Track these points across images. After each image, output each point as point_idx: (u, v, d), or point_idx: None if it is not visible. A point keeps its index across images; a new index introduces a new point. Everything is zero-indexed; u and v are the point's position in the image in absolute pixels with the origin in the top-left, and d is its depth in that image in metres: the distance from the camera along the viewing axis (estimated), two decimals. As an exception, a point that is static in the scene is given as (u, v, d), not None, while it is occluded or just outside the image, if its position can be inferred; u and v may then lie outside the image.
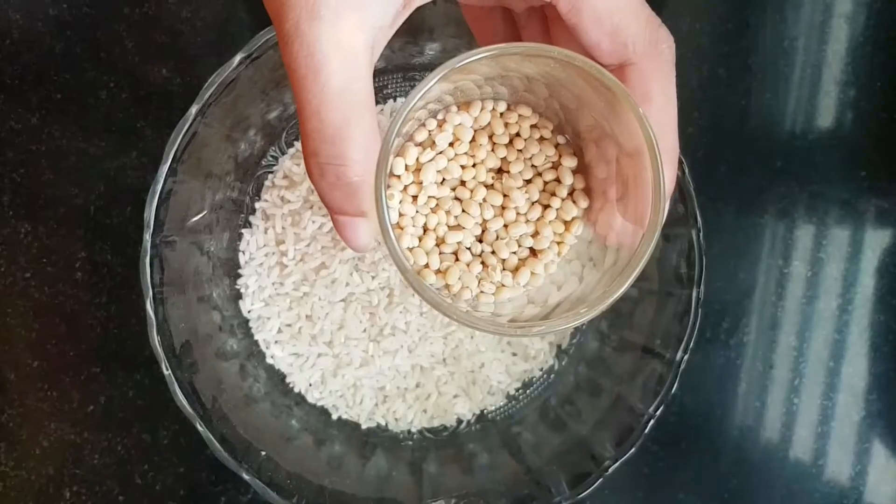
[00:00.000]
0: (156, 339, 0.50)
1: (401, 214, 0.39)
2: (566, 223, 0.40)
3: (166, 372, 0.51)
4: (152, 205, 0.50)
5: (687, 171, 0.52)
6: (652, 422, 0.52)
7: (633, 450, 0.53)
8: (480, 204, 0.40)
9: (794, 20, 0.66)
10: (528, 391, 0.62)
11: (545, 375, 0.62)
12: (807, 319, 0.65)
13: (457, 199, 0.40)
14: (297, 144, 0.59)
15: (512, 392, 0.61)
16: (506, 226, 0.40)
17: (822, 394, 0.65)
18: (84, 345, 0.62)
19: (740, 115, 0.65)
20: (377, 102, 0.61)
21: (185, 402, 0.51)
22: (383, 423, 0.60)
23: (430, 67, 0.59)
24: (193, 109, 0.50)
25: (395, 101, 0.60)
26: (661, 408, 0.52)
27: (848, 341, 0.65)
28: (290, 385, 0.60)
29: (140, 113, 0.62)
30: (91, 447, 0.62)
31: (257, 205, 0.59)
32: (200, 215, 0.55)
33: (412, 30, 0.55)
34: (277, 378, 0.60)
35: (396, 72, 0.60)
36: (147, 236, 0.50)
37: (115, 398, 0.62)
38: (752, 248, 0.65)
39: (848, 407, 0.66)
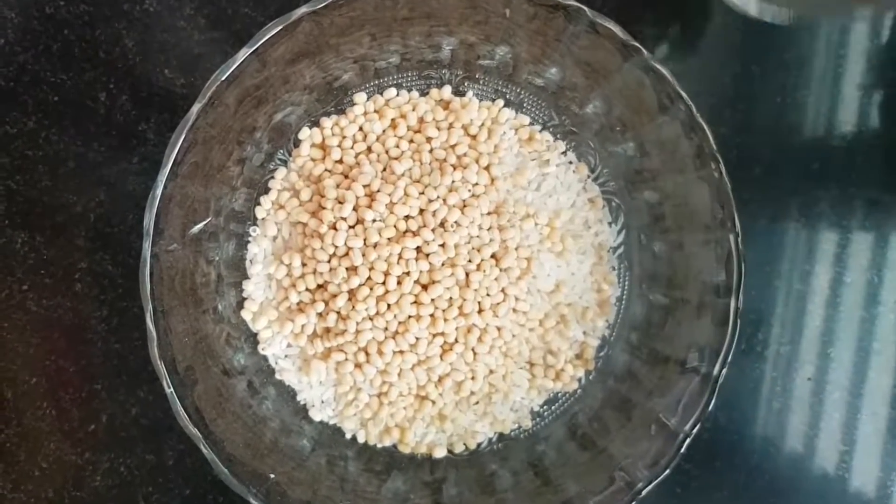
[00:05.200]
0: (156, 355, 0.47)
1: None
2: None
3: (168, 390, 0.48)
4: (152, 211, 0.47)
5: (724, 170, 0.49)
6: (688, 440, 0.49)
7: (667, 471, 0.50)
8: None
9: (834, 12, 0.62)
10: (553, 408, 0.59)
11: (572, 390, 0.58)
12: (849, 329, 0.62)
13: None
14: (306, 148, 0.57)
15: (536, 409, 0.58)
16: None
17: (866, 408, 0.62)
18: (84, 360, 0.60)
19: (775, 114, 0.62)
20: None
21: (188, 422, 0.48)
22: (400, 442, 0.57)
23: (447, 65, 0.56)
24: (195, 109, 0.47)
25: (409, 92, 0.58)
26: (698, 426, 0.49)
27: (897, 351, 0.62)
28: (301, 402, 0.57)
29: (141, 115, 0.60)
30: (92, 468, 0.60)
31: (265, 211, 0.57)
32: (204, 223, 0.52)
33: (428, 25, 0.52)
34: (287, 395, 0.57)
35: (412, 69, 0.57)
36: (146, 245, 0.47)
37: (117, 416, 0.60)
38: (789, 253, 0.62)
39: (898, 422, 0.65)
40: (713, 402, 0.49)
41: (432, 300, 0.53)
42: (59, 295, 0.59)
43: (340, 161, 0.56)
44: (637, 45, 0.48)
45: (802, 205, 0.62)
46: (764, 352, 0.62)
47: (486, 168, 0.56)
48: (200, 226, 0.52)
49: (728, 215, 0.49)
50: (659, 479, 0.49)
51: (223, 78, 0.47)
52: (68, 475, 0.60)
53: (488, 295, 0.54)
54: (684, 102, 0.49)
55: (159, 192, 0.47)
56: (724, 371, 0.49)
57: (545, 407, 0.59)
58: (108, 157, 0.60)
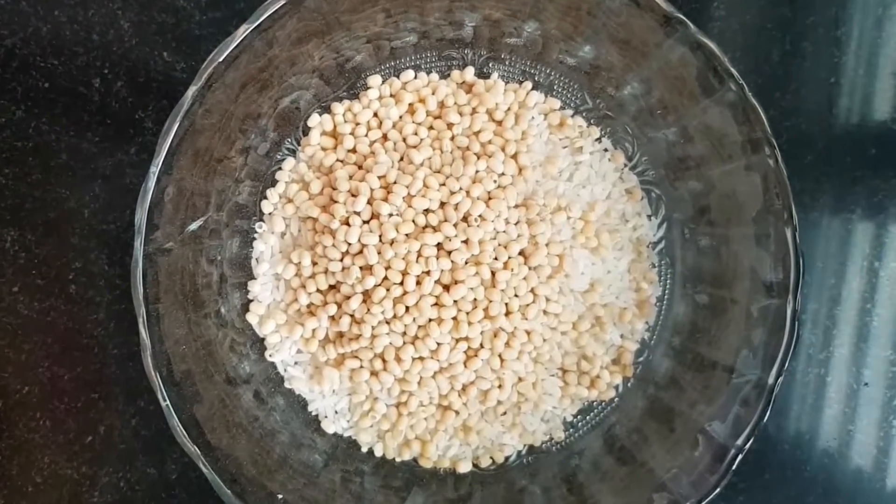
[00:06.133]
0: (151, 365, 0.45)
1: None
2: None
3: (163, 402, 0.46)
4: (144, 207, 0.44)
5: (780, 157, 0.46)
6: (740, 457, 0.46)
7: (718, 489, 0.46)
8: None
9: (892, -18, 0.58)
10: (587, 418, 0.56)
11: (608, 399, 0.56)
12: (911, 330, 0.59)
13: None
14: (316, 136, 0.54)
15: (569, 419, 0.56)
16: None
17: (925, 413, 0.59)
18: (80, 367, 0.58)
19: (828, 95, 0.59)
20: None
21: (185, 438, 0.46)
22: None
23: (470, 43, 0.54)
24: (190, 93, 0.44)
25: (428, 74, 0.55)
26: (751, 440, 0.46)
27: (954, 354, 0.59)
28: (313, 413, 0.55)
29: (139, 102, 0.57)
30: (90, 483, 0.58)
31: (272, 206, 0.54)
32: (204, 219, 0.50)
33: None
34: (297, 406, 0.55)
35: (431, 49, 0.54)
36: (138, 244, 0.45)
37: (116, 427, 0.58)
38: (843, 248, 0.59)
39: (953, 429, 0.60)
40: (768, 413, 0.46)
41: (455, 302, 0.51)
42: (53, 297, 0.57)
43: (353, 150, 0.54)
44: (682, 17, 0.45)
45: (859, 195, 0.59)
46: (816, 354, 0.59)
47: (514, 157, 0.53)
48: (200, 222, 0.49)
49: (785, 206, 0.46)
50: (707, 500, 0.47)
51: (221, 58, 0.45)
52: (64, 491, 0.58)
53: (516, 296, 0.52)
54: (735, 81, 0.46)
55: (152, 184, 0.45)
56: (781, 380, 0.46)
57: (579, 417, 0.56)
58: (103, 149, 0.57)
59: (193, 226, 0.49)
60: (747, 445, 0.46)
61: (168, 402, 0.45)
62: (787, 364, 0.46)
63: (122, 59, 0.57)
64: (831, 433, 0.59)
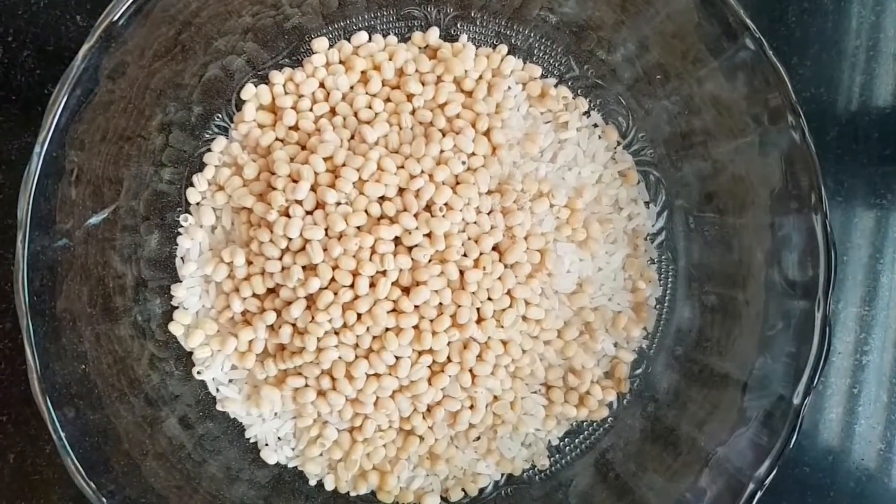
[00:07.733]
0: (37, 389, 0.41)
1: None
2: None
3: (55, 435, 0.40)
4: (27, 194, 0.40)
5: (807, 130, 0.42)
6: (759, 494, 0.42)
7: None
8: None
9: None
10: (576, 442, 0.53)
11: (600, 420, 0.53)
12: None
13: None
14: (251, 110, 0.51)
15: (555, 443, 0.53)
16: None
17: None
18: None
19: (853, 61, 0.56)
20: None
21: (82, 477, 0.41)
22: (380, 490, 0.53)
23: None
24: (82, 53, 0.40)
25: (384, 36, 0.52)
26: (773, 473, 0.42)
27: None
28: (251, 441, 0.51)
29: (48, 75, 0.55)
30: None
31: (199, 194, 0.51)
32: (109, 210, 0.45)
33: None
34: (232, 432, 0.51)
35: (387, 6, 0.52)
36: (21, 240, 0.40)
37: (28, 455, 0.55)
38: (874, 241, 0.57)
39: None
40: (794, 439, 0.42)
41: (416, 307, 0.48)
42: (-49, 305, 0.53)
43: (295, 127, 0.51)
44: (683, -43, 0.42)
45: (890, 176, 0.56)
46: (842, 362, 0.56)
47: (486, 133, 0.50)
48: (105, 214, 0.45)
49: (813, 188, 0.42)
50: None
51: (120, 12, 0.40)
52: (-31, 530, 0.54)
53: (490, 299, 0.49)
54: (751, 36, 0.42)
55: (36, 167, 0.41)
56: (809, 399, 0.42)
57: (566, 441, 0.53)
58: (6, 130, 0.55)
59: (95, 219, 0.44)
60: (769, 479, 0.42)
61: (61, 434, 0.40)
62: (816, 380, 0.42)
63: (29, 25, 0.55)
64: (860, 453, 0.56)
